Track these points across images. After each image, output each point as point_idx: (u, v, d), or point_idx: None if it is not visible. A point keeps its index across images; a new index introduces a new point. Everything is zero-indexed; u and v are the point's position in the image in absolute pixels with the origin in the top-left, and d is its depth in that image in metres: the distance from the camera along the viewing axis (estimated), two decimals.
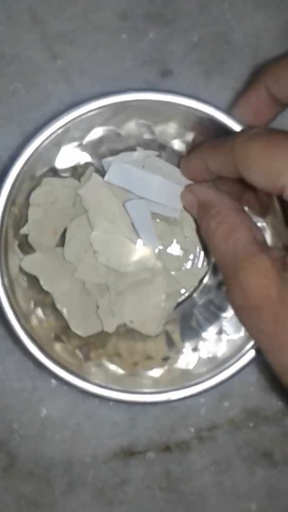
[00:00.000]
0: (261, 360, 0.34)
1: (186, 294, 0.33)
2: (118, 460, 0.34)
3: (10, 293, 0.30)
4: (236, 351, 0.30)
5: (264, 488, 0.35)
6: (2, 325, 0.34)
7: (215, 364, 0.31)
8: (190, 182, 0.31)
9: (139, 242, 0.32)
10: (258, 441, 0.35)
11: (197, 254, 0.33)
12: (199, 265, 0.33)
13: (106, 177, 0.31)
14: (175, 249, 0.33)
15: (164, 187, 0.32)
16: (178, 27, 0.34)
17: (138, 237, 0.32)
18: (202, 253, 0.33)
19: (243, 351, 0.30)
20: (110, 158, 0.31)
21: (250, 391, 0.35)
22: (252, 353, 0.30)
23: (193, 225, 0.32)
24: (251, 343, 0.30)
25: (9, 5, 0.34)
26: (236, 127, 0.29)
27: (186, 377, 0.30)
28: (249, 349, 0.30)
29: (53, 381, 0.34)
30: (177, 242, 0.33)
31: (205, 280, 0.33)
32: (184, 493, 0.35)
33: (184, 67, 0.34)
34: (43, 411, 0.34)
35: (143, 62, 0.35)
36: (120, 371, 0.31)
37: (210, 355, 0.31)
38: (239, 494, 0.35)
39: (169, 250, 0.33)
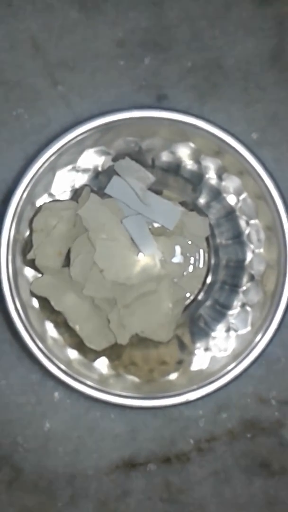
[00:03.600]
0: (257, 371, 0.34)
1: (192, 297, 0.34)
2: (119, 472, 0.34)
3: (24, 316, 0.30)
4: (246, 346, 0.31)
5: (263, 498, 0.34)
6: (13, 343, 0.34)
7: (228, 360, 0.31)
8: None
9: (141, 254, 0.32)
10: (256, 451, 0.34)
11: (197, 256, 0.33)
12: (201, 265, 0.34)
13: (106, 189, 0.32)
14: (176, 257, 0.33)
15: (160, 204, 0.32)
16: (172, 54, 0.35)
17: (139, 250, 0.32)
18: (202, 252, 0.33)
19: (253, 344, 0.30)
20: (122, 161, 0.32)
21: (247, 402, 0.34)
22: (262, 346, 0.30)
23: (195, 227, 0.33)
24: (260, 336, 0.30)
25: (11, 34, 0.35)
26: (215, 131, 0.30)
27: (201, 377, 0.31)
28: (258, 342, 0.30)
29: (56, 394, 0.34)
30: (181, 248, 0.33)
31: (208, 281, 0.33)
32: (185, 504, 0.34)
33: (179, 91, 0.35)
34: (46, 425, 0.34)
35: (140, 87, 0.35)
36: (137, 380, 0.32)
37: (222, 353, 0.32)
38: (238, 504, 0.34)
39: (170, 259, 0.33)
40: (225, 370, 0.31)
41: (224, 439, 0.34)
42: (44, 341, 0.31)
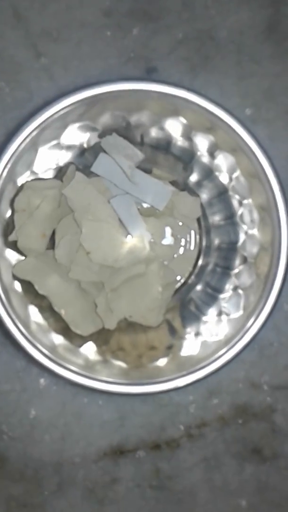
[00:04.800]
0: (249, 356, 0.33)
1: (182, 280, 0.33)
2: (108, 459, 0.34)
3: (6, 301, 0.29)
4: (238, 330, 0.30)
5: (254, 484, 0.34)
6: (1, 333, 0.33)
7: (219, 345, 0.30)
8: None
9: (129, 236, 0.31)
10: (247, 437, 0.34)
11: (188, 238, 0.33)
12: (192, 248, 0.33)
13: (92, 167, 0.31)
14: (166, 239, 0.33)
15: (150, 183, 0.31)
16: (162, 24, 0.34)
17: (127, 232, 0.31)
18: (193, 234, 0.33)
19: (245, 328, 0.30)
20: (109, 138, 0.31)
21: (238, 387, 0.34)
22: (254, 330, 0.30)
23: (186, 208, 0.32)
24: (252, 320, 0.30)
25: None
26: (207, 105, 0.29)
27: (191, 363, 0.30)
28: (250, 326, 0.30)
29: (42, 381, 0.33)
30: (171, 229, 0.32)
31: (199, 263, 0.33)
32: (174, 491, 0.34)
33: (169, 64, 0.34)
34: (32, 412, 0.33)
35: (128, 59, 0.34)
36: (125, 366, 0.31)
37: (213, 338, 0.31)
38: (229, 490, 0.34)
39: (160, 241, 0.33)
40: (216, 355, 0.30)
41: (215, 425, 0.34)
42: (28, 326, 0.30)
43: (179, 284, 0.33)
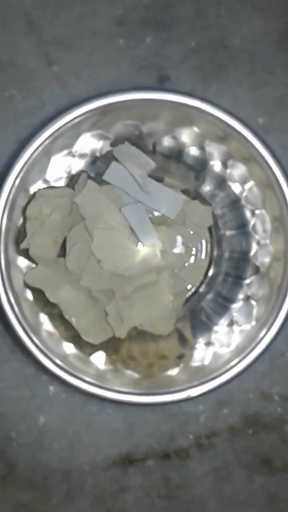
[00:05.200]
0: (260, 366, 0.33)
1: (193, 289, 0.33)
2: (116, 468, 0.33)
3: (17, 309, 0.30)
4: (250, 341, 0.30)
5: (264, 495, 0.34)
6: (5, 336, 0.33)
7: (231, 356, 0.30)
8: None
9: (140, 244, 0.31)
10: (257, 448, 0.34)
11: (199, 247, 0.33)
12: (203, 257, 0.33)
13: (104, 176, 0.31)
14: (177, 248, 0.33)
15: (161, 192, 0.31)
16: (175, 33, 0.34)
17: (139, 240, 0.31)
18: (204, 243, 0.33)
19: (257, 339, 0.30)
20: (121, 146, 0.31)
21: (249, 398, 0.33)
22: (266, 341, 0.30)
23: (197, 217, 0.31)
24: (264, 331, 0.30)
25: (4, 11, 0.33)
26: (220, 115, 0.29)
27: (203, 373, 0.30)
28: (263, 337, 0.30)
29: (51, 388, 0.33)
30: (182, 238, 0.32)
31: (210, 273, 0.33)
32: (183, 501, 0.34)
33: (182, 73, 0.33)
34: (41, 419, 0.33)
35: (140, 67, 0.34)
36: (136, 375, 0.31)
37: (224, 348, 0.31)
38: (238, 501, 0.34)
39: (171, 250, 0.32)
40: (228, 366, 0.30)
41: (225, 435, 0.33)
42: (39, 334, 0.30)
43: (189, 293, 0.33)
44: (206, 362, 0.31)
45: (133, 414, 0.33)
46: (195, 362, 0.31)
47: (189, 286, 0.33)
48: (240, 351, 0.30)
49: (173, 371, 0.31)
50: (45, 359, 0.29)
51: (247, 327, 0.31)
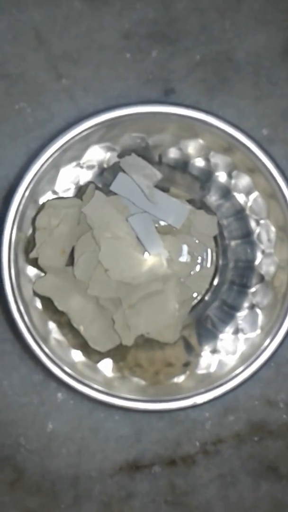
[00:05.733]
0: (265, 373, 0.33)
1: (199, 298, 0.33)
2: (123, 474, 0.33)
3: (27, 317, 0.30)
4: (255, 349, 0.30)
5: (269, 502, 0.34)
6: (15, 344, 0.33)
7: (236, 363, 0.30)
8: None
9: (147, 253, 0.32)
10: (263, 455, 0.34)
11: (205, 256, 0.33)
12: (208, 265, 0.33)
13: (111, 186, 0.31)
14: (183, 257, 0.33)
15: (167, 202, 0.31)
16: (180, 46, 0.34)
17: (145, 249, 0.31)
18: (210, 252, 0.33)
19: (262, 347, 0.30)
20: (128, 158, 0.31)
21: (254, 404, 0.33)
22: (271, 349, 0.30)
23: (202, 226, 0.32)
24: (269, 339, 0.30)
25: (14, 26, 0.34)
26: (225, 127, 0.29)
27: (209, 380, 0.30)
28: (268, 345, 0.30)
29: (59, 395, 0.33)
30: (188, 247, 0.32)
31: (215, 281, 0.33)
32: (190, 507, 0.33)
33: (187, 85, 0.34)
34: (49, 426, 0.33)
35: (147, 80, 0.34)
36: (143, 382, 0.31)
37: (230, 356, 0.31)
38: (244, 508, 0.34)
39: (177, 258, 0.32)
40: (234, 374, 0.30)
41: (230, 442, 0.33)
42: (47, 342, 0.30)
43: (195, 301, 0.33)
44: (212, 369, 0.31)
45: (140, 421, 0.33)
46: (201, 370, 0.31)
47: (195, 295, 0.33)
48: (246, 359, 0.30)
49: (179, 379, 0.31)
50: (53, 367, 0.30)
51: (252, 335, 0.31)
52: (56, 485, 0.33)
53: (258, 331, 0.31)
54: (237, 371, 0.30)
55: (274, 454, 0.33)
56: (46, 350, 0.30)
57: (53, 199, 0.31)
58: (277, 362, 0.33)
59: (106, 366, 0.31)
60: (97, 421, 0.33)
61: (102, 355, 0.31)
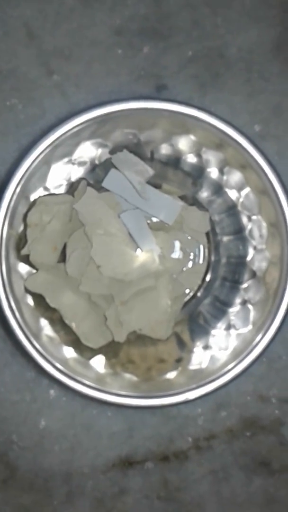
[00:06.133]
0: (257, 369, 0.33)
1: (191, 294, 0.33)
2: (116, 470, 0.33)
3: (18, 314, 0.30)
4: (247, 344, 0.30)
5: (262, 497, 0.34)
6: (6, 341, 0.33)
7: (228, 359, 0.30)
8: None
9: (139, 250, 0.32)
10: (256, 450, 0.34)
11: (197, 252, 0.33)
12: (201, 262, 0.33)
13: (103, 183, 0.31)
14: (175, 253, 0.33)
15: (159, 198, 0.31)
16: (172, 42, 0.34)
17: (137, 246, 0.31)
18: (202, 248, 0.33)
19: (254, 343, 0.30)
20: (119, 154, 0.31)
21: (247, 400, 0.33)
22: (263, 345, 0.30)
23: (195, 222, 0.32)
24: (261, 334, 0.30)
25: (5, 21, 0.34)
26: (217, 123, 0.29)
27: (201, 376, 0.30)
28: (260, 341, 0.30)
29: (52, 392, 0.33)
30: (180, 243, 0.32)
31: (207, 277, 0.33)
32: (182, 502, 0.33)
33: (179, 81, 0.34)
34: (41, 423, 0.33)
35: (138, 76, 0.34)
36: (135, 378, 0.31)
37: (222, 351, 0.31)
38: (237, 503, 0.34)
39: (169, 255, 0.33)
40: (225, 369, 0.29)
41: (223, 437, 0.33)
42: (39, 339, 0.30)
43: (187, 298, 0.33)
44: (204, 365, 0.31)
45: (133, 417, 0.33)
46: (193, 366, 0.31)
47: (187, 291, 0.33)
48: (238, 355, 0.30)
49: (172, 374, 0.31)
50: (45, 363, 0.29)
51: (244, 330, 0.31)
52: (49, 481, 0.33)
53: (250, 326, 0.31)
54: (229, 367, 0.30)
55: (266, 449, 0.34)
56: (38, 347, 0.30)
57: (44, 195, 0.31)
58: (269, 358, 0.33)
59: (99, 362, 0.31)
60: (89, 418, 0.33)
61: (94, 352, 0.31)
